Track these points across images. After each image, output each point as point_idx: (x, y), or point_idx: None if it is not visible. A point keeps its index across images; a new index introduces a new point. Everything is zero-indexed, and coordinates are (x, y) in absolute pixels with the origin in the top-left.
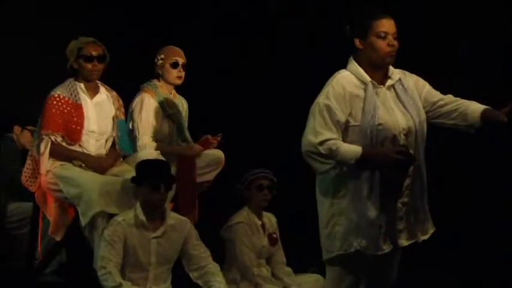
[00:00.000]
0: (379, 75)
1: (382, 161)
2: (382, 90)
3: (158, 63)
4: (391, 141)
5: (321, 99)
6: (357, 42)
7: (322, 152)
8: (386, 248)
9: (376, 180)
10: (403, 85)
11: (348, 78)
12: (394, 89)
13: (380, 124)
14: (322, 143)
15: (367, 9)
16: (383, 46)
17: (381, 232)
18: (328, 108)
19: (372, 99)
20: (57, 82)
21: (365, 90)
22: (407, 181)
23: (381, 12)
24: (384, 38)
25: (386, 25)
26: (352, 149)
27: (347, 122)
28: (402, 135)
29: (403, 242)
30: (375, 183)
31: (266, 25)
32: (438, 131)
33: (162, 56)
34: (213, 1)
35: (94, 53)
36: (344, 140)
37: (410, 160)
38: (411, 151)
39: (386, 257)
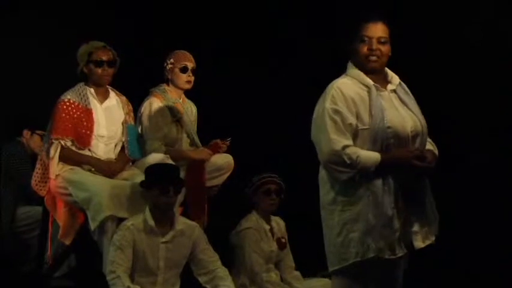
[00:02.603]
0: (378, 80)
1: (402, 167)
2: (386, 93)
3: (167, 68)
4: (399, 144)
5: (327, 104)
6: (348, 49)
7: (346, 161)
8: (400, 252)
9: (391, 178)
10: (404, 89)
11: (349, 83)
12: (396, 92)
13: (389, 127)
14: (343, 149)
15: (356, 14)
16: (363, 50)
17: (395, 235)
18: (338, 112)
19: (378, 102)
20: (67, 87)
21: (368, 93)
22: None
23: (369, 16)
24: (365, 42)
25: (371, 29)
26: (371, 156)
27: (356, 125)
28: (410, 137)
29: (420, 243)
30: (390, 181)
31: (272, 27)
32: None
33: (172, 60)
34: (222, 6)
35: (104, 58)
36: (353, 144)
37: (429, 166)
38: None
39: (396, 262)
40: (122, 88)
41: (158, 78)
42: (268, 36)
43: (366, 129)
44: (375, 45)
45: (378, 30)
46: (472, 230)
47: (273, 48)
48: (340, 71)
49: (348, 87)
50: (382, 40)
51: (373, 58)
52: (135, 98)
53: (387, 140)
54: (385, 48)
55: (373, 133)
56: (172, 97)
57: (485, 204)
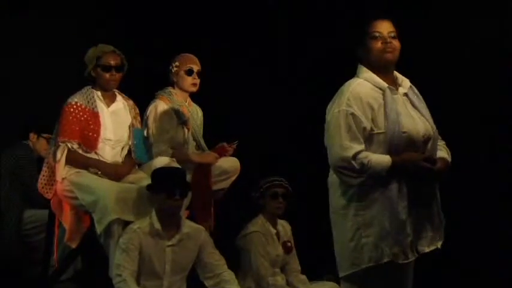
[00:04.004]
0: (389, 83)
1: (412, 169)
2: (399, 96)
3: (173, 71)
4: (413, 148)
5: (343, 107)
6: (358, 51)
7: (356, 167)
8: (412, 256)
9: (404, 183)
10: (415, 92)
11: (364, 85)
12: (408, 96)
13: (404, 132)
14: (354, 157)
15: (362, 17)
16: (377, 45)
17: (408, 240)
18: (353, 116)
19: (393, 106)
20: (73, 90)
21: (383, 96)
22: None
23: (375, 15)
24: (378, 37)
25: (380, 25)
26: (382, 160)
27: (371, 129)
28: (422, 142)
29: (425, 248)
30: (404, 185)
31: (276, 31)
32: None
33: (177, 63)
34: (227, 10)
35: (112, 63)
36: (367, 149)
37: (438, 169)
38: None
39: (407, 266)
40: (127, 91)
41: (164, 81)
42: (273, 39)
43: (381, 133)
44: (388, 39)
45: (386, 26)
46: (471, 232)
47: (278, 51)
48: (345, 72)
49: (364, 89)
50: (392, 35)
51: (389, 50)
52: (140, 101)
53: (402, 145)
54: (397, 43)
55: (389, 137)
56: (178, 100)
57: (483, 206)
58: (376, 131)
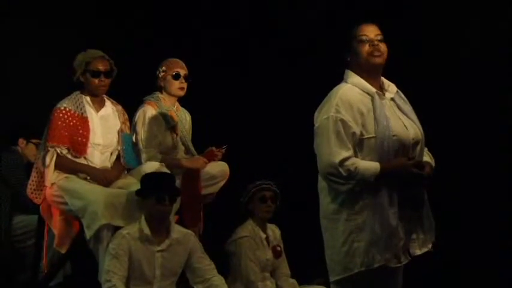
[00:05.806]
0: (375, 87)
1: (401, 175)
2: (386, 101)
3: (160, 76)
4: (402, 152)
5: (332, 113)
6: (345, 55)
7: (343, 173)
8: (405, 259)
9: (394, 189)
10: (402, 97)
11: (352, 90)
12: (395, 101)
13: (394, 135)
14: (341, 163)
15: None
16: (365, 48)
17: (400, 244)
18: (342, 122)
19: (382, 110)
20: (62, 95)
21: (372, 101)
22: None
23: (361, 20)
24: (366, 41)
25: (367, 29)
26: (370, 166)
27: (361, 134)
28: (411, 145)
29: (417, 251)
30: (394, 191)
31: (268, 33)
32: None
33: (164, 68)
34: (214, 15)
35: (101, 68)
36: (358, 154)
37: (427, 174)
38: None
39: (399, 268)
40: (115, 97)
41: (151, 87)
42: (263, 43)
43: (371, 137)
44: (375, 42)
45: (373, 29)
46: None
47: (268, 54)
48: (336, 78)
49: (352, 95)
50: (379, 38)
51: (377, 53)
52: (128, 106)
53: (392, 148)
54: (384, 46)
55: (380, 142)
56: (166, 105)
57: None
58: (366, 136)
